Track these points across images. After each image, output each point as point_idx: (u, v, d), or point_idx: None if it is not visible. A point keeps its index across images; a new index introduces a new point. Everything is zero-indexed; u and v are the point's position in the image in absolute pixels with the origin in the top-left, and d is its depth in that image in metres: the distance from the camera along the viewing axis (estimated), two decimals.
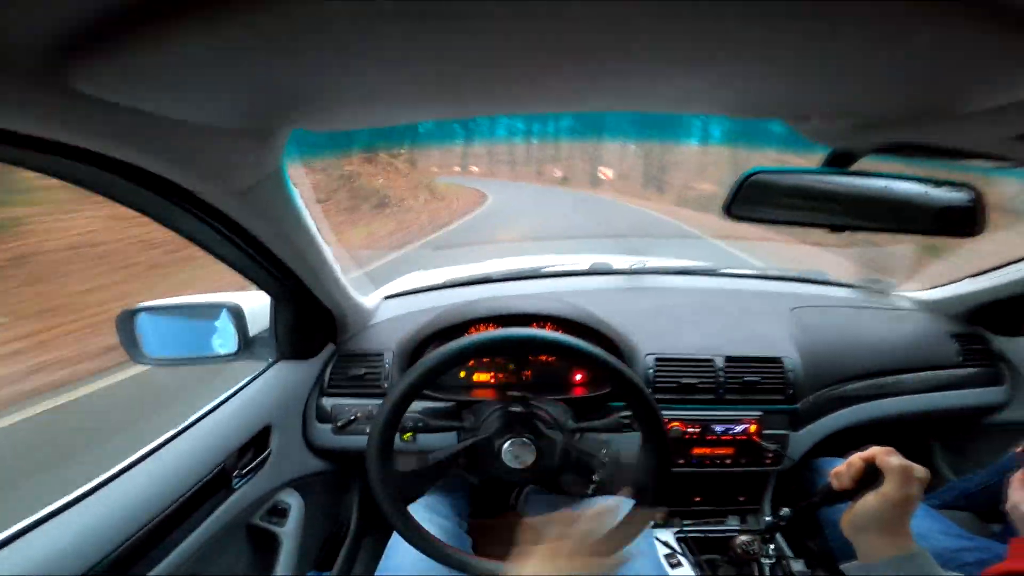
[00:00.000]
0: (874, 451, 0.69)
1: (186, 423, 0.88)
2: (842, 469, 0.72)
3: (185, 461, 0.82)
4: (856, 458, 0.71)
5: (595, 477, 0.94)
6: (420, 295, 1.34)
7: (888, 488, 0.64)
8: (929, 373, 1.30)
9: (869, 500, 0.66)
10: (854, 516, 0.67)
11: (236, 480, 0.92)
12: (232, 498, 0.91)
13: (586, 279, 1.43)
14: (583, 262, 1.50)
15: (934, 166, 0.72)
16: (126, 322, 0.99)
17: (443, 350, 0.75)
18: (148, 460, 0.78)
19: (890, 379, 1.28)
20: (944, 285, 1.42)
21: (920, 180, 0.69)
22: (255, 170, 0.60)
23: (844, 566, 0.67)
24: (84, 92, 0.36)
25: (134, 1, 0.28)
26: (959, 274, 1.38)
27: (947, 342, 1.33)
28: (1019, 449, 0.83)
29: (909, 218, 0.70)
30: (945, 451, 1.47)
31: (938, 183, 0.68)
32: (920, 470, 0.66)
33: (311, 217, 0.80)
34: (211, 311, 1.05)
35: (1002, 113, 0.41)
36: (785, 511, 1.07)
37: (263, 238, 0.74)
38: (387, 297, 1.34)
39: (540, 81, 0.42)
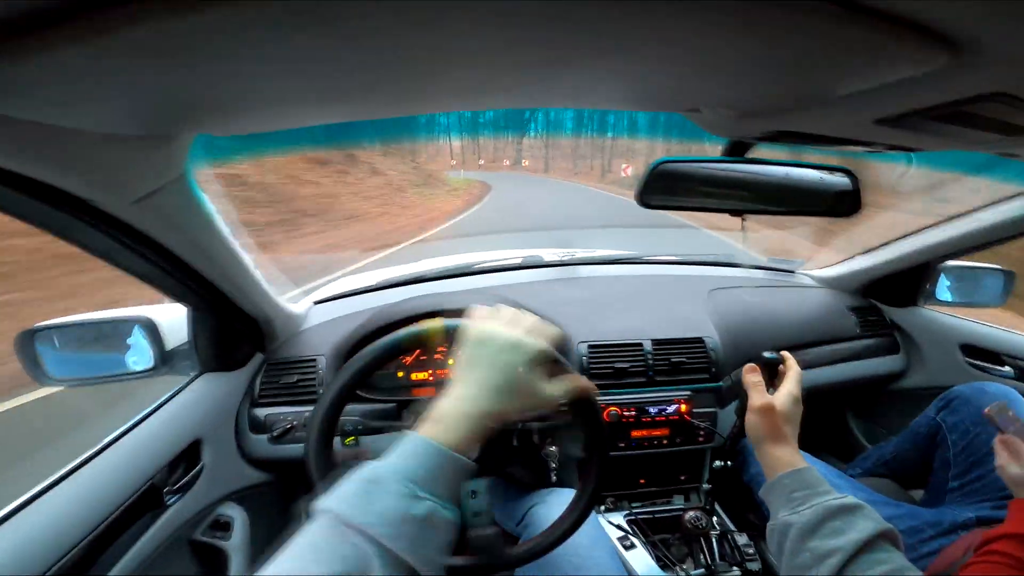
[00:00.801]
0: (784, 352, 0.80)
1: (105, 441, 0.83)
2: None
3: (109, 480, 0.78)
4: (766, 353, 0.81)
5: (552, 465, 0.96)
6: (352, 298, 1.32)
7: (751, 400, 0.74)
8: (833, 345, 1.41)
9: (748, 417, 0.74)
10: (747, 427, 0.75)
11: (168, 496, 0.88)
12: (167, 515, 0.87)
13: (518, 273, 1.46)
14: (515, 256, 1.53)
15: (819, 153, 0.79)
16: (25, 343, 0.91)
17: (372, 348, 0.74)
18: (66, 482, 0.74)
19: (800, 352, 1.38)
20: (840, 263, 1.55)
21: (808, 167, 0.76)
22: (157, 176, 0.57)
23: (760, 491, 0.73)
24: None
25: (15, 11, 0.27)
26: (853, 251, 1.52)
27: (847, 315, 1.46)
28: (986, 411, 0.87)
29: (802, 201, 0.78)
30: (858, 420, 1.61)
31: (823, 168, 0.76)
32: (758, 382, 0.76)
33: (224, 223, 0.77)
34: (122, 327, 0.99)
35: (861, 100, 0.46)
36: (717, 463, 1.13)
37: (171, 247, 0.70)
38: (317, 302, 1.30)
39: (437, 81, 0.43)
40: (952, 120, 0.48)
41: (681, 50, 0.38)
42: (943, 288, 1.46)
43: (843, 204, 0.75)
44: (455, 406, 0.50)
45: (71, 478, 0.75)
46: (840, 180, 0.76)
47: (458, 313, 0.65)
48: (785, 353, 0.81)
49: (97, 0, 0.26)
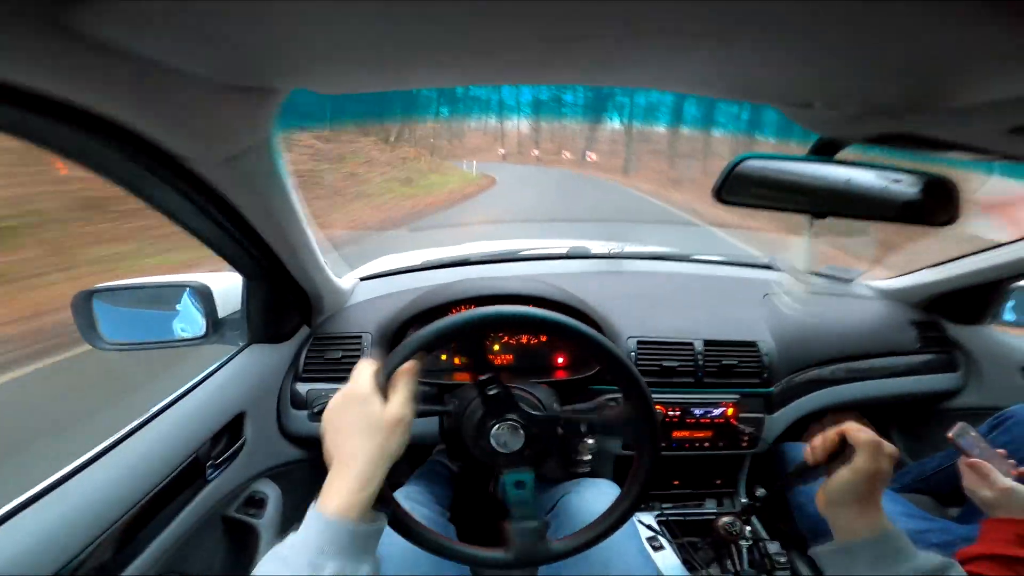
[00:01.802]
0: (846, 426, 0.71)
1: (153, 411, 0.83)
2: (817, 443, 0.73)
3: (155, 451, 0.78)
4: (831, 432, 0.72)
5: (583, 458, 0.94)
6: (396, 277, 1.31)
7: (860, 461, 0.66)
8: (889, 359, 1.36)
9: (843, 474, 0.67)
10: (829, 491, 0.68)
11: (210, 471, 0.88)
12: (207, 489, 0.87)
13: (564, 263, 1.43)
14: (561, 246, 1.50)
15: (912, 157, 0.74)
16: (82, 304, 0.93)
17: (438, 325, 0.72)
18: (114, 452, 0.74)
19: (853, 364, 1.33)
20: (905, 275, 1.48)
21: (900, 171, 0.71)
22: (247, 134, 0.57)
23: (817, 548, 0.68)
24: (80, 32, 0.33)
25: None
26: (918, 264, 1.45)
27: (906, 329, 1.40)
28: (949, 435, 0.88)
29: (889, 207, 0.72)
30: (902, 435, 1.55)
31: (917, 174, 0.71)
32: (889, 446, 0.68)
33: (295, 193, 0.76)
34: (176, 292, 1.00)
35: (995, 107, 0.42)
36: (761, 491, 1.10)
37: (245, 211, 0.70)
38: (362, 279, 1.30)
39: (542, 52, 0.41)
40: None
41: (807, 39, 0.34)
42: (1011, 309, 1.39)
43: (940, 213, 0.70)
44: (333, 476, 0.56)
45: (117, 449, 0.74)
46: (936, 187, 0.70)
47: (506, 299, 0.63)
48: (849, 425, 0.73)
49: None
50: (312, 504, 0.54)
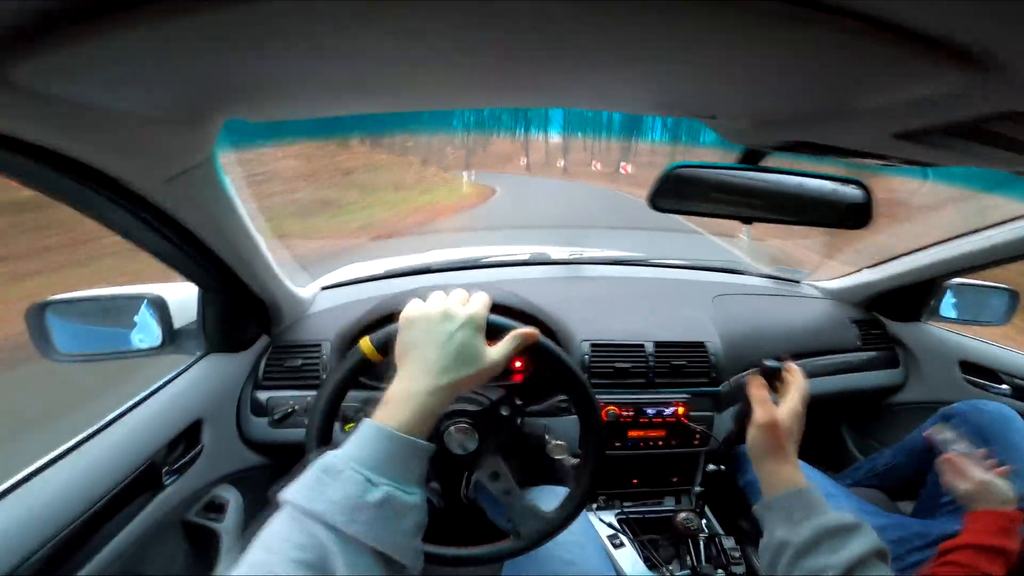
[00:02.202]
0: (748, 384, 0.76)
1: (109, 418, 0.84)
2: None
3: (110, 456, 0.78)
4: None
5: (556, 457, 0.97)
6: (358, 285, 1.33)
7: (755, 415, 0.71)
8: (833, 356, 1.42)
9: (750, 431, 0.71)
10: (749, 441, 0.72)
11: (167, 476, 0.89)
12: (163, 494, 0.88)
13: (525, 269, 1.46)
14: (522, 252, 1.53)
15: (834, 164, 0.79)
16: (36, 316, 0.92)
17: (379, 335, 0.75)
18: (68, 457, 0.74)
19: (800, 362, 1.38)
20: (847, 275, 1.56)
21: (822, 177, 0.76)
22: (185, 157, 0.59)
23: (753, 507, 0.72)
24: (20, 84, 0.35)
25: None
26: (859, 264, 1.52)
27: (849, 327, 1.47)
28: (926, 434, 0.91)
29: (813, 211, 0.78)
30: (851, 431, 1.62)
31: (836, 180, 0.76)
32: (785, 404, 0.73)
33: (243, 205, 0.78)
34: (131, 303, 1.00)
35: (880, 114, 0.46)
36: (711, 467, 1.13)
37: (191, 226, 0.71)
38: (324, 288, 1.31)
39: (475, 77, 0.44)
40: (970, 137, 0.48)
41: (700, 57, 0.38)
42: (947, 305, 1.46)
43: (855, 216, 0.75)
44: (400, 388, 0.51)
45: (72, 455, 0.75)
46: (853, 192, 0.76)
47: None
48: (791, 364, 0.79)
49: None
50: (362, 419, 0.49)
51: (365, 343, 0.70)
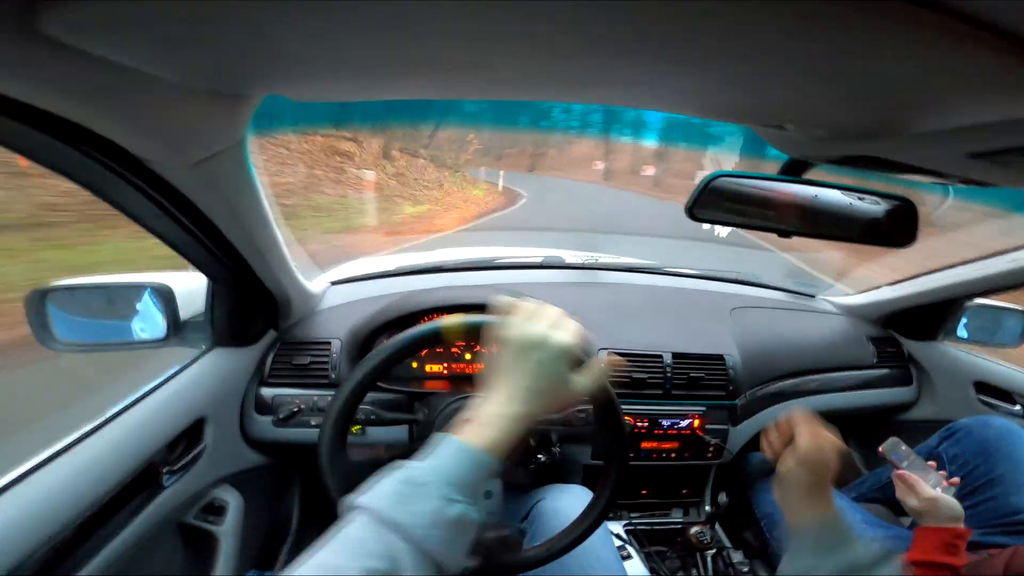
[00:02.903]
0: (792, 415, 0.72)
1: (107, 415, 0.80)
2: (771, 435, 0.74)
3: (107, 457, 0.75)
4: (781, 422, 0.74)
5: (543, 460, 0.95)
6: (369, 282, 1.29)
7: (800, 448, 0.67)
8: (848, 373, 1.40)
9: (787, 463, 0.68)
10: (779, 481, 0.70)
11: (167, 477, 0.85)
12: (163, 496, 0.84)
13: (539, 272, 1.43)
14: (536, 255, 1.50)
15: (875, 177, 0.77)
16: (36, 302, 0.88)
17: (405, 336, 0.72)
18: (66, 455, 0.70)
19: (815, 377, 1.37)
20: (864, 292, 1.54)
21: (868, 192, 0.74)
22: (217, 139, 0.55)
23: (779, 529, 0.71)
24: (54, 37, 0.32)
25: None
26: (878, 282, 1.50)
27: (864, 344, 1.45)
28: (880, 449, 0.92)
29: (855, 228, 0.75)
30: (859, 446, 1.60)
31: (882, 196, 0.73)
32: (830, 436, 0.70)
33: (265, 195, 0.74)
34: (136, 292, 0.96)
35: (956, 133, 0.43)
36: (723, 498, 1.12)
37: (212, 215, 0.68)
38: (334, 283, 1.28)
39: (520, 68, 0.41)
40: None
41: (783, 61, 0.35)
42: (962, 326, 1.45)
43: (901, 233, 0.73)
44: (492, 409, 0.51)
45: (68, 453, 0.71)
46: (898, 209, 0.73)
47: (481, 308, 0.63)
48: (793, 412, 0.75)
49: None
50: (441, 434, 0.49)
51: (458, 320, 0.65)
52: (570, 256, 1.50)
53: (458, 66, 0.40)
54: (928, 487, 0.88)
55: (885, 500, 1.26)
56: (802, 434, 0.69)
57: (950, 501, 0.87)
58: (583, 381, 0.57)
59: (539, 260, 1.47)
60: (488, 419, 0.51)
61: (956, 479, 0.90)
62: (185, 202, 0.63)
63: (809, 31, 0.30)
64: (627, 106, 0.53)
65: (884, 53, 0.32)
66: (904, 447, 0.93)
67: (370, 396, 1.05)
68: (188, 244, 0.74)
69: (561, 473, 1.21)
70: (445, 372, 1.17)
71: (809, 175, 0.73)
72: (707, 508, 1.25)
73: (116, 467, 0.75)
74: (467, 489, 0.46)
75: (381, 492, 0.44)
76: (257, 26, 0.33)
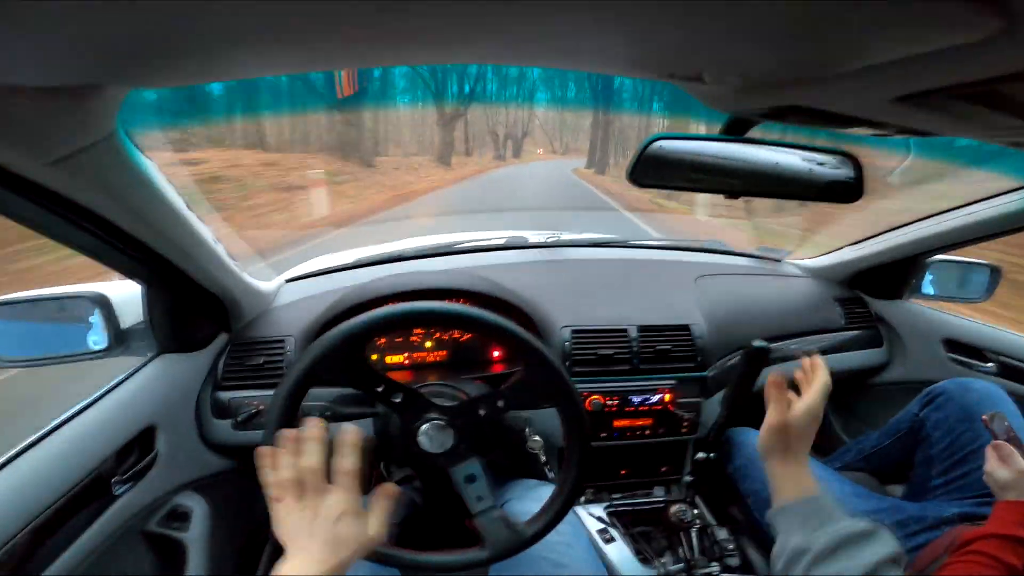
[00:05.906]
0: (768, 381, 0.76)
1: (47, 428, 0.77)
2: (785, 381, 0.76)
3: (51, 468, 0.73)
4: (804, 362, 0.80)
5: (542, 458, 0.94)
6: (325, 277, 1.25)
7: (768, 415, 0.72)
8: (818, 336, 1.39)
9: (762, 432, 0.73)
10: (759, 440, 0.74)
11: (117, 487, 0.83)
12: (117, 504, 0.82)
13: (501, 253, 1.40)
14: (498, 236, 1.48)
15: (821, 135, 0.75)
16: None
17: (341, 328, 0.70)
18: (5, 470, 0.69)
19: (785, 343, 1.36)
20: (828, 252, 1.53)
21: (809, 149, 0.72)
22: (82, 134, 0.51)
23: (767, 512, 0.72)
24: None
25: None
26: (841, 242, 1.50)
27: (832, 306, 1.44)
28: (984, 418, 0.90)
29: (799, 185, 0.74)
30: (837, 413, 1.60)
31: (825, 152, 0.72)
32: (801, 403, 0.73)
33: (171, 190, 0.70)
34: (73, 304, 0.93)
35: (884, 73, 0.41)
36: (700, 455, 1.11)
37: (106, 213, 0.64)
38: (288, 280, 1.24)
39: (406, 31, 0.38)
40: (980, 100, 0.43)
41: (693, 11, 0.33)
42: (929, 282, 1.45)
43: (845, 190, 0.72)
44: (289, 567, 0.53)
45: (7, 468, 0.69)
46: (843, 165, 0.72)
47: (436, 292, 0.61)
48: (817, 359, 0.80)
49: None
50: None
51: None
52: (532, 235, 1.48)
53: (326, 35, 0.37)
54: (1022, 460, 0.86)
55: (870, 469, 1.26)
56: (770, 403, 0.73)
57: None
58: (372, 526, 0.59)
59: (501, 242, 1.44)
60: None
61: None
62: (72, 204, 0.59)
63: None
64: (546, 67, 0.51)
65: None
66: (1007, 423, 0.91)
67: (328, 392, 1.03)
68: (96, 247, 0.70)
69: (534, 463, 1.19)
70: (406, 363, 1.14)
71: (756, 135, 0.72)
72: (686, 478, 1.24)
73: (59, 479, 0.73)
74: None
75: None
76: (96, 15, 0.30)
